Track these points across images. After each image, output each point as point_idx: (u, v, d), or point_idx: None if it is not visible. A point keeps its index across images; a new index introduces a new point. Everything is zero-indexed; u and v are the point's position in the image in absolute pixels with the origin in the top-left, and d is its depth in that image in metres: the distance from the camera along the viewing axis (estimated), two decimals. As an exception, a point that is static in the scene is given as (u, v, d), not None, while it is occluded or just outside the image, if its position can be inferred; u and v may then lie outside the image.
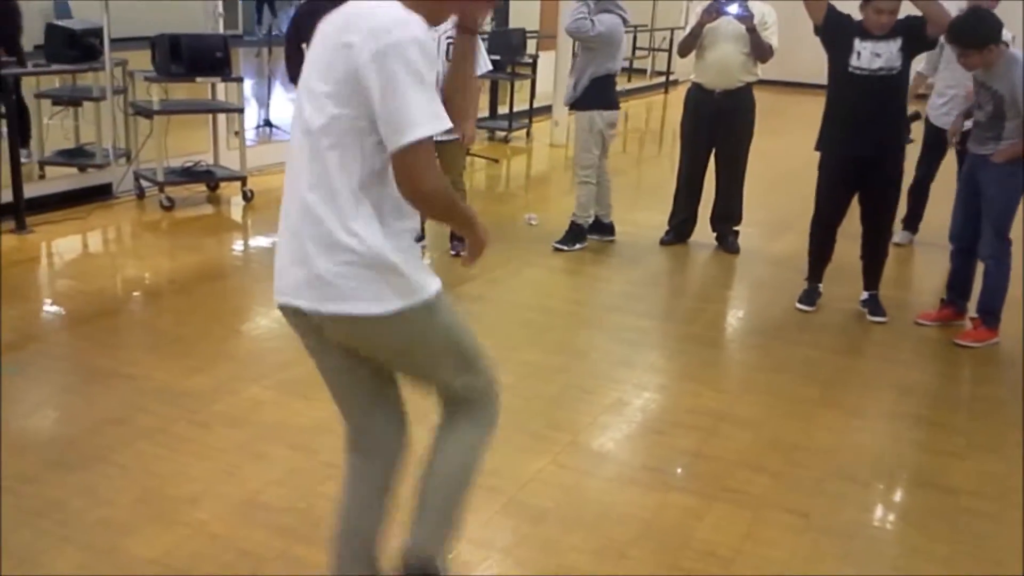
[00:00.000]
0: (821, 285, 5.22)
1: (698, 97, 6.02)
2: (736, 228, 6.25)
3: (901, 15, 4.65)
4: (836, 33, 4.76)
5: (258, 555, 2.79)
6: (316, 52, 2.02)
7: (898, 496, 3.41)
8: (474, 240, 2.21)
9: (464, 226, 2.17)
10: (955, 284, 4.98)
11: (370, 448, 2.31)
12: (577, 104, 5.85)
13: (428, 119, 1.89)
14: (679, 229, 6.31)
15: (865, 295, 5.18)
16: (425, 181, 1.93)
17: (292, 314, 2.16)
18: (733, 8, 5.58)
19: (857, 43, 4.68)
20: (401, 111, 1.87)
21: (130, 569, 2.68)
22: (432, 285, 2.08)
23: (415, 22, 1.92)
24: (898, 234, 6.15)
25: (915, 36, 4.62)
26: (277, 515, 2.99)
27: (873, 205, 4.97)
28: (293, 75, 5.79)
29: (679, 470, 3.47)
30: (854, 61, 4.70)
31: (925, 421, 4.02)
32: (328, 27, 2.02)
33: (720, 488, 3.31)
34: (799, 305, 5.15)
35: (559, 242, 6.04)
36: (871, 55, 4.67)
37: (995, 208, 4.61)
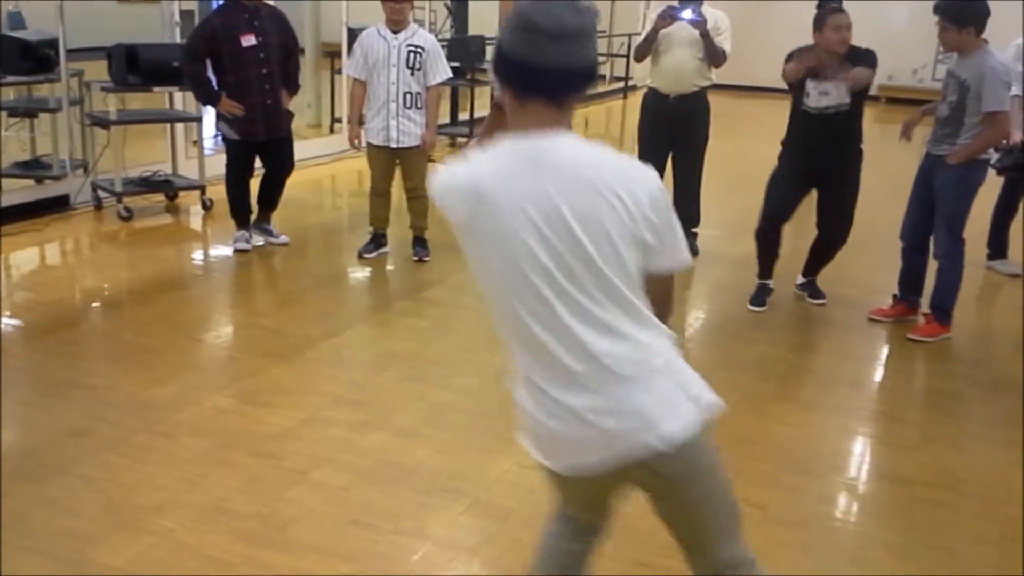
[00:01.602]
0: (771, 282, 5.31)
1: (654, 102, 6.09)
2: (694, 230, 6.33)
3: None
4: (798, 81, 4.94)
5: (224, 561, 2.80)
6: (579, 193, 1.82)
7: (854, 488, 3.49)
8: None
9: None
10: (906, 281, 5.08)
11: (581, 529, 2.23)
12: None
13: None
14: (639, 232, 6.37)
15: (801, 280, 5.36)
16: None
17: (604, 474, 1.92)
18: (687, 14, 5.66)
19: (808, 84, 4.87)
20: (677, 239, 1.94)
21: (96, 578, 2.68)
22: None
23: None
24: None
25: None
26: (242, 521, 3.00)
27: (831, 208, 5.08)
28: (205, 95, 5.62)
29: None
30: (806, 100, 4.89)
31: (879, 415, 4.12)
32: (540, 178, 1.83)
33: (681, 484, 3.36)
34: (751, 306, 5.24)
35: None
36: (818, 94, 4.85)
37: (950, 208, 4.71)
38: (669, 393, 1.88)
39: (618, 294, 1.85)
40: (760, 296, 5.27)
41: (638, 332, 1.88)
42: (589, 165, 1.86)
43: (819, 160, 4.94)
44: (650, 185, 1.88)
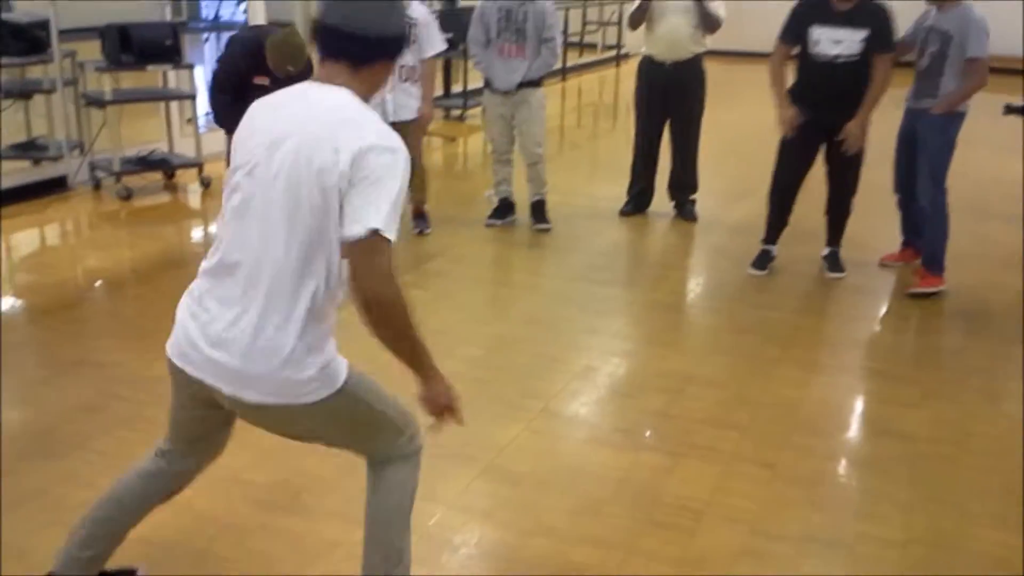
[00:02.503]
0: (775, 248, 5.33)
1: (650, 69, 6.10)
2: (693, 196, 6.36)
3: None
4: (797, 31, 4.90)
5: (241, 527, 2.85)
6: (276, 134, 2.00)
7: (859, 445, 3.54)
8: (433, 388, 2.21)
9: (418, 363, 2.15)
10: (908, 226, 5.28)
11: (179, 460, 2.42)
12: (534, 82, 5.84)
13: (393, 220, 1.91)
14: (637, 199, 6.40)
15: (826, 250, 5.34)
16: (387, 282, 1.92)
17: (185, 374, 2.15)
18: (680, -20, 5.65)
19: (815, 31, 4.82)
20: (372, 202, 1.89)
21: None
22: (342, 371, 2.14)
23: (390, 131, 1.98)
24: None
25: (878, 36, 4.74)
26: (258, 490, 3.05)
27: (838, 167, 5.06)
28: (226, 125, 5.26)
29: (648, 431, 3.57)
30: (812, 49, 4.85)
31: (881, 373, 4.16)
32: (288, 113, 2.03)
33: (688, 445, 3.41)
34: (751, 270, 5.27)
35: (538, 224, 6.05)
36: (830, 42, 4.79)
37: (931, 156, 4.84)
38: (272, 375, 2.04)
39: (298, 255, 1.98)
40: (762, 260, 5.29)
41: (283, 309, 2.03)
42: (323, 110, 1.98)
43: (830, 113, 4.86)
44: (361, 142, 1.91)
